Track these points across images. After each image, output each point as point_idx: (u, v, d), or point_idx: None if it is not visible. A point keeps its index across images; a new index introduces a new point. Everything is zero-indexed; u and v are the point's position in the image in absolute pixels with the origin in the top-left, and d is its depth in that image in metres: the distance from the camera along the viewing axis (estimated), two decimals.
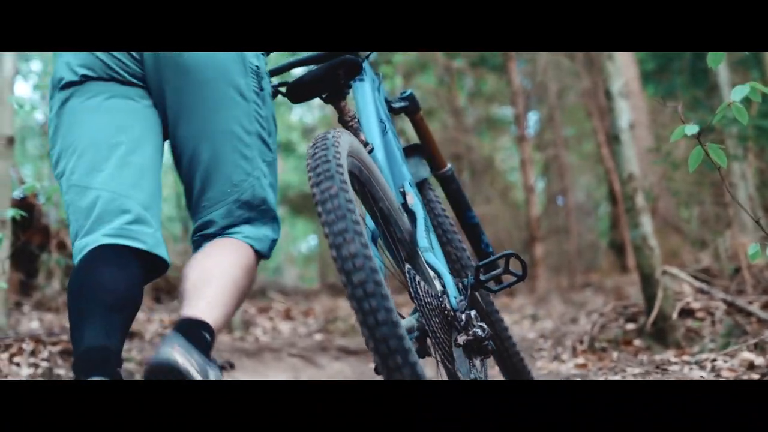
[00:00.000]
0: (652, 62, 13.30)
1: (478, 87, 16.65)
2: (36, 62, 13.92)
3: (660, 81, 13.32)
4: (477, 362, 2.21)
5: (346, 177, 1.84)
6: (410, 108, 2.95)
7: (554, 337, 5.58)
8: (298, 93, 2.50)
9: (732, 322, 4.13)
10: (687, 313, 4.60)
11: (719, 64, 2.65)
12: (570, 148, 14.60)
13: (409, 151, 2.94)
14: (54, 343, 4.68)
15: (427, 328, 2.07)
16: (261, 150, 2.28)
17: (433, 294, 2.18)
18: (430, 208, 2.89)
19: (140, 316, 6.88)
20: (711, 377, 3.12)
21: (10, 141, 4.94)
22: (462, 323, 2.14)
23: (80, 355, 1.89)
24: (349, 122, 2.50)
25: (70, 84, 2.20)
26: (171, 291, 9.12)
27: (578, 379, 3.24)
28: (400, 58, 12.80)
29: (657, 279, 4.35)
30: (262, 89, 2.30)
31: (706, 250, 6.25)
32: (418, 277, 2.15)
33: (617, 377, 3.40)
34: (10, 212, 3.96)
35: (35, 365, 4.26)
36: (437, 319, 2.13)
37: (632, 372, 3.48)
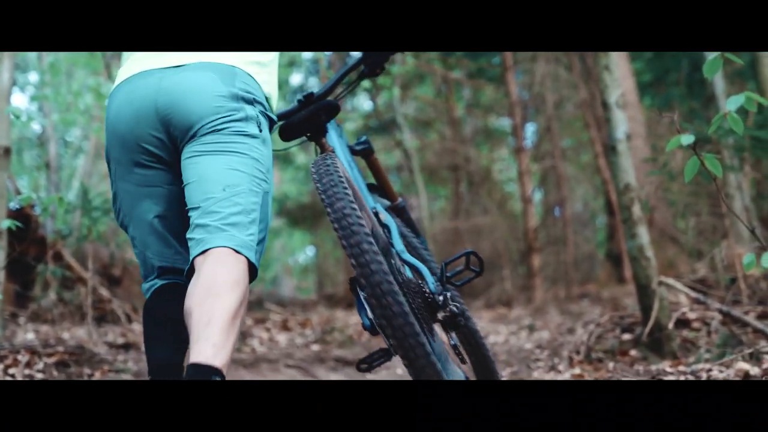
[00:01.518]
0: (649, 74, 13.32)
1: (475, 98, 16.68)
2: (33, 73, 13.95)
3: (657, 92, 13.34)
4: (453, 335, 2.62)
5: (352, 196, 2.29)
6: (367, 150, 3.43)
7: (551, 347, 5.58)
8: (288, 133, 2.98)
9: (728, 332, 4.13)
10: (683, 323, 4.60)
11: (715, 73, 2.66)
12: (567, 158, 14.59)
13: (369, 188, 3.39)
14: (49, 355, 4.67)
15: (412, 306, 2.44)
16: (254, 172, 2.56)
17: (414, 281, 2.64)
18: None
19: (137, 327, 6.87)
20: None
21: (7, 151, 4.94)
22: (440, 303, 2.57)
23: (154, 366, 2.46)
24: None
25: (114, 164, 2.67)
26: None
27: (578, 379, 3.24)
28: (398, 69, 12.82)
29: (653, 289, 4.35)
30: (261, 131, 2.63)
31: (702, 261, 6.25)
32: (400, 269, 2.62)
33: None
34: (6, 223, 3.95)
35: (30, 376, 4.25)
36: (419, 300, 2.58)
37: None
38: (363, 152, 3.43)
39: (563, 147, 14.53)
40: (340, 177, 2.33)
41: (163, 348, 2.47)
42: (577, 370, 4.28)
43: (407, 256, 2.72)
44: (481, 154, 16.21)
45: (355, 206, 2.24)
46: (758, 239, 4.07)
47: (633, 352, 4.45)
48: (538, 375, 4.58)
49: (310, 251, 24.57)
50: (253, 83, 2.68)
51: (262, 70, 2.78)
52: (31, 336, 6.04)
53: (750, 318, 4.19)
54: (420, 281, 2.65)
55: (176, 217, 2.65)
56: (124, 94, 2.62)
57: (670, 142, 2.72)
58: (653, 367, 3.93)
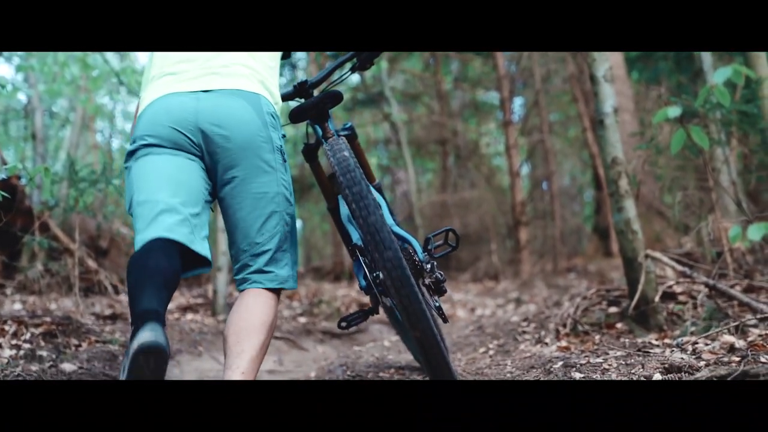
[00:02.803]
0: None
1: (463, 72, 16.63)
2: None
3: (645, 66, 13.34)
4: (436, 298, 3.07)
5: (365, 180, 2.69)
6: (351, 135, 3.67)
7: (538, 320, 5.60)
8: (297, 117, 3.32)
9: (713, 306, 4.15)
10: (669, 296, 4.62)
11: None
12: (555, 132, 14.60)
13: None
14: (37, 325, 4.67)
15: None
16: (285, 206, 3.05)
17: (406, 251, 3.01)
18: None
19: (123, 299, 6.87)
20: (692, 360, 3.14)
21: None
22: (428, 270, 2.98)
23: (140, 312, 2.49)
24: (329, 138, 3.26)
25: (145, 146, 2.94)
26: None
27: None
28: None
29: (640, 263, 4.36)
30: (284, 161, 3.07)
31: (689, 235, 6.28)
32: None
33: (599, 360, 3.42)
34: None
35: (17, 347, 4.24)
36: (410, 266, 2.92)
37: (614, 355, 3.50)
38: (347, 138, 3.65)
39: (551, 121, 14.53)
40: (367, 185, 2.68)
41: (149, 298, 2.58)
42: (563, 343, 4.30)
43: (397, 229, 3.12)
44: (469, 128, 16.20)
45: (386, 221, 2.60)
46: (745, 213, 4.09)
47: (619, 325, 4.48)
48: (524, 347, 4.60)
49: (297, 224, 24.59)
50: (273, 108, 3.09)
51: (273, 74, 3.19)
52: (18, 306, 6.03)
53: (736, 291, 4.21)
54: (411, 251, 3.03)
55: (196, 192, 2.96)
56: (160, 104, 2.96)
57: (657, 114, 2.73)
58: (639, 340, 3.96)
